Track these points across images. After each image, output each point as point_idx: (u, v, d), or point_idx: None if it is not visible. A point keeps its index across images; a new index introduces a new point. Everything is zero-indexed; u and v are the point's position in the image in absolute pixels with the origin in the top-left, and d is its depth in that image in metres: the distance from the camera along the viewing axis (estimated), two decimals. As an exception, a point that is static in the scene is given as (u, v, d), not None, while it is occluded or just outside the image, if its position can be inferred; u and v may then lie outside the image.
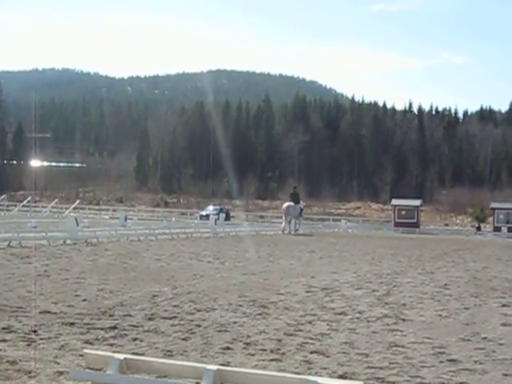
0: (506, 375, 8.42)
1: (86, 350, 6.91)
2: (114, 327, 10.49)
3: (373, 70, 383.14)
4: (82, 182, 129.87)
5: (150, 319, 11.33)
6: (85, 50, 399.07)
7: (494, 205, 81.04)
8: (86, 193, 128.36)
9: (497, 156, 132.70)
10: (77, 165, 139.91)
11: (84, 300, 13.08)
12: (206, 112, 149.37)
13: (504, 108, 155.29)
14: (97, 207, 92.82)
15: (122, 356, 6.13)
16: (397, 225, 74.84)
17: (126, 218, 47.70)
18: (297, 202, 50.30)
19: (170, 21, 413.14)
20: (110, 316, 11.47)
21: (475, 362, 9.13)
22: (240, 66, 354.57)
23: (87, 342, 9.40)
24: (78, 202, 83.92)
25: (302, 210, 51.16)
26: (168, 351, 8.98)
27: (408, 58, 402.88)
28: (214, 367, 5.76)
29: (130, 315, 11.59)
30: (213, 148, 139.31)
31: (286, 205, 50.35)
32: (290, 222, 49.57)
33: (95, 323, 10.77)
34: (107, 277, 16.94)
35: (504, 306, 14.68)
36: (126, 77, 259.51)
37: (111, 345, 9.27)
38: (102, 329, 10.33)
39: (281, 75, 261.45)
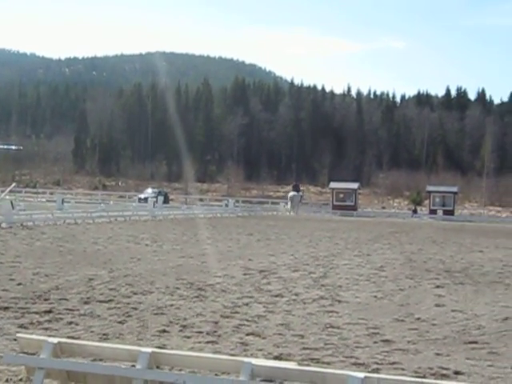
0: (438, 355, 8.58)
1: (19, 335, 6.84)
2: (50, 311, 10.40)
3: (314, 54, 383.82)
4: (19, 165, 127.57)
5: (85, 303, 11.26)
6: (21, 30, 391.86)
7: (430, 188, 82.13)
8: (22, 176, 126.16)
9: (433, 140, 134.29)
10: (13, 147, 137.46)
11: (19, 284, 12.93)
12: (144, 94, 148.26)
13: (440, 93, 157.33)
14: (33, 190, 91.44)
15: (55, 340, 6.08)
16: (335, 208, 75.27)
17: (63, 201, 47.18)
18: (297, 191, 68.76)
19: (108, 2, 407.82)
20: (46, 300, 11.37)
21: (408, 342, 9.29)
22: (179, 48, 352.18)
23: (22, 326, 9.30)
24: (13, 184, 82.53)
25: (301, 197, 68.41)
26: (104, 334, 8.94)
27: (349, 42, 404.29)
28: (149, 350, 5.76)
29: (66, 299, 11.50)
30: (151, 130, 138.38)
31: (291, 194, 67.99)
32: (293, 207, 64.36)
33: (30, 307, 10.66)
34: (43, 260, 16.76)
35: (438, 287, 14.96)
36: (63, 58, 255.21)
37: (46, 329, 9.19)
38: (36, 313, 10.24)
39: (220, 58, 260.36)
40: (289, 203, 67.06)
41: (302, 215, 61.37)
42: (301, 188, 75.81)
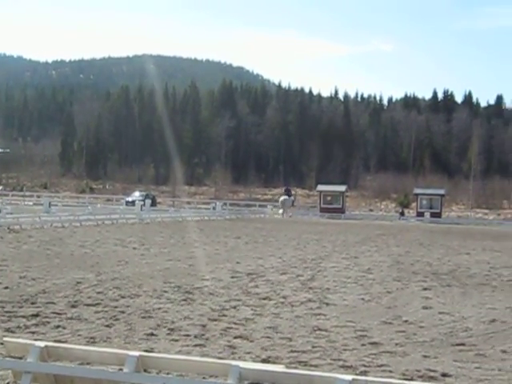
0: (425, 357, 8.60)
1: (5, 338, 6.82)
2: (37, 315, 10.36)
3: (301, 57, 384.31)
4: (5, 168, 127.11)
5: (73, 306, 11.22)
6: (8, 33, 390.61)
7: (417, 190, 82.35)
8: (9, 179, 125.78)
9: (420, 143, 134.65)
10: (0, 150, 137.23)
11: (5, 288, 12.88)
12: (131, 97, 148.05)
13: (427, 95, 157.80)
14: (20, 193, 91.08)
15: (42, 344, 6.06)
16: (322, 210, 75.30)
17: (50, 205, 47.04)
18: (289, 195, 69.57)
19: (95, 4, 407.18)
20: (32, 303, 11.33)
21: (396, 344, 9.31)
22: (166, 51, 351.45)
23: (8, 330, 9.26)
24: (0, 188, 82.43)
25: (293, 201, 69.46)
26: (91, 338, 8.92)
27: (337, 44, 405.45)
28: (136, 353, 5.75)
29: (53, 302, 11.47)
30: (139, 133, 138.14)
31: (282, 198, 68.31)
32: (285, 210, 64.72)
33: (17, 311, 10.62)
34: (30, 264, 16.71)
35: (425, 289, 14.99)
36: (50, 61, 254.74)
37: (33, 332, 9.16)
38: (23, 316, 10.20)
39: (207, 60, 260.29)
40: (280, 207, 67.11)
41: (296, 218, 61.43)
42: (292, 192, 76.10)
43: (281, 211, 65.97)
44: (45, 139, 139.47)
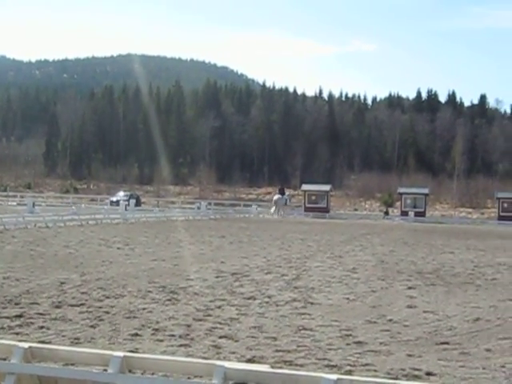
0: (410, 356, 8.63)
1: (-11, 339, 6.78)
2: (20, 315, 10.32)
3: (286, 56, 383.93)
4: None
5: (57, 307, 11.18)
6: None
7: (402, 190, 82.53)
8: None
9: (404, 142, 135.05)
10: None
11: (-11, 288, 12.82)
12: (115, 97, 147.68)
13: (411, 95, 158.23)
14: (4, 193, 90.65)
15: (26, 344, 6.02)
16: (307, 210, 75.30)
17: (34, 205, 46.87)
18: (283, 194, 68.18)
19: (79, 4, 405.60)
20: (16, 304, 11.28)
21: (381, 343, 9.33)
22: (151, 51, 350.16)
23: (-8, 331, 9.22)
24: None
25: (286, 200, 68.00)
26: (76, 339, 8.89)
27: (322, 44, 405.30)
28: (121, 354, 5.72)
29: (37, 303, 11.42)
30: (123, 133, 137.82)
31: (275, 197, 67.34)
32: (278, 210, 64.23)
33: (0, 312, 10.57)
34: (14, 264, 16.64)
35: (410, 288, 15.04)
36: (33, 60, 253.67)
37: (17, 333, 9.12)
38: (7, 317, 10.15)
39: (192, 60, 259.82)
40: (273, 207, 66.44)
41: (282, 218, 61.48)
42: (286, 192, 74.55)
43: (272, 210, 65.40)
44: (28, 139, 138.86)
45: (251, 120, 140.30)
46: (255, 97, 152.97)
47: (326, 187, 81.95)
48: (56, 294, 12.47)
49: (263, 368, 5.76)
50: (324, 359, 8.27)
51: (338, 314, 11.52)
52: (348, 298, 13.28)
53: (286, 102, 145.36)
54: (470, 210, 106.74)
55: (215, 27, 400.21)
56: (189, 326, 10.01)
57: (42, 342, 8.00)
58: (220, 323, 10.27)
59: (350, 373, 7.52)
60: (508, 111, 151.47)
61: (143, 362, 5.88)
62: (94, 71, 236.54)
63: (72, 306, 11.31)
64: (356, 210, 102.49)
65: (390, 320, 11.04)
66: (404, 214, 74.76)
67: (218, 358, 7.77)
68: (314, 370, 7.33)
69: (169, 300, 12.24)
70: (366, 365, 8.07)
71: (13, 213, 39.06)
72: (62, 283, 13.79)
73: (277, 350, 8.64)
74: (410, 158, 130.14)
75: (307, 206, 77.45)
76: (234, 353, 8.42)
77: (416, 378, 7.58)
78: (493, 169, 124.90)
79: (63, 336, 9.04)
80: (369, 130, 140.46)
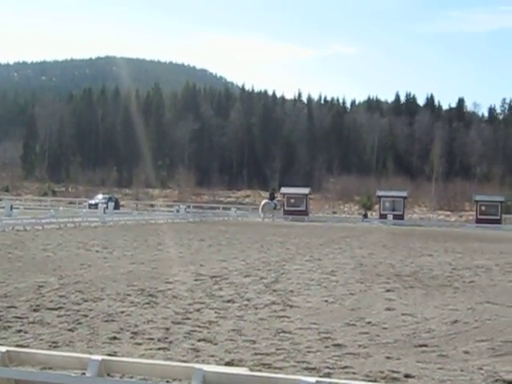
0: (388, 358, 8.65)
1: (-34, 343, 6.73)
2: (-2, 319, 10.25)
3: (265, 60, 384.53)
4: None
5: (35, 310, 11.11)
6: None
7: (380, 193, 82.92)
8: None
9: (383, 145, 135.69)
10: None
11: (-34, 292, 12.73)
12: (94, 99, 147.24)
13: (390, 98, 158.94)
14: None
15: (3, 348, 5.98)
16: (286, 213, 75.42)
17: (11, 208, 46.52)
18: (272, 199, 70.06)
19: (57, 6, 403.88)
20: (-6, 308, 11.20)
21: (359, 346, 9.34)
22: (129, 53, 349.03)
23: (-31, 335, 9.15)
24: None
25: (276, 204, 69.78)
26: (54, 342, 8.83)
27: (301, 47, 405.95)
28: (99, 357, 5.70)
29: (15, 306, 11.34)
30: (101, 136, 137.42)
31: (263, 202, 69.96)
32: (265, 214, 66.24)
33: (-22, 315, 10.49)
34: (-9, 268, 16.52)
35: (388, 291, 15.08)
36: (11, 62, 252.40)
37: (-6, 337, 9.05)
38: (-16, 321, 10.08)
39: (171, 63, 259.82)
40: (260, 210, 67.62)
41: (262, 221, 61.51)
42: (276, 196, 75.68)
43: (262, 215, 66.39)
44: (6, 142, 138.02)
45: (230, 123, 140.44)
46: (234, 100, 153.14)
47: (305, 190, 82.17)
48: (34, 297, 12.39)
49: (242, 371, 5.75)
50: (303, 362, 8.27)
51: (316, 316, 11.52)
52: (327, 301, 13.29)
53: (265, 105, 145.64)
54: (449, 212, 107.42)
55: (194, 30, 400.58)
56: (167, 329, 9.98)
57: (20, 346, 7.94)
58: (199, 326, 10.25)
59: (328, 375, 7.52)
60: (486, 115, 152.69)
61: (122, 366, 5.86)
62: (72, 74, 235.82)
63: (50, 309, 11.24)
64: (335, 212, 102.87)
65: (369, 322, 11.06)
66: (383, 216, 75.09)
67: (197, 361, 7.75)
68: (292, 373, 7.33)
69: (147, 303, 12.20)
70: (345, 367, 8.08)
71: (-10, 216, 38.82)
72: (40, 286, 13.71)
73: (256, 353, 8.63)
74: (389, 161, 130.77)
75: (286, 208, 77.57)
76: (212, 356, 8.41)
77: (394, 380, 7.60)
78: (471, 172, 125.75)
79: (41, 340, 8.98)
80: (348, 133, 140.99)
